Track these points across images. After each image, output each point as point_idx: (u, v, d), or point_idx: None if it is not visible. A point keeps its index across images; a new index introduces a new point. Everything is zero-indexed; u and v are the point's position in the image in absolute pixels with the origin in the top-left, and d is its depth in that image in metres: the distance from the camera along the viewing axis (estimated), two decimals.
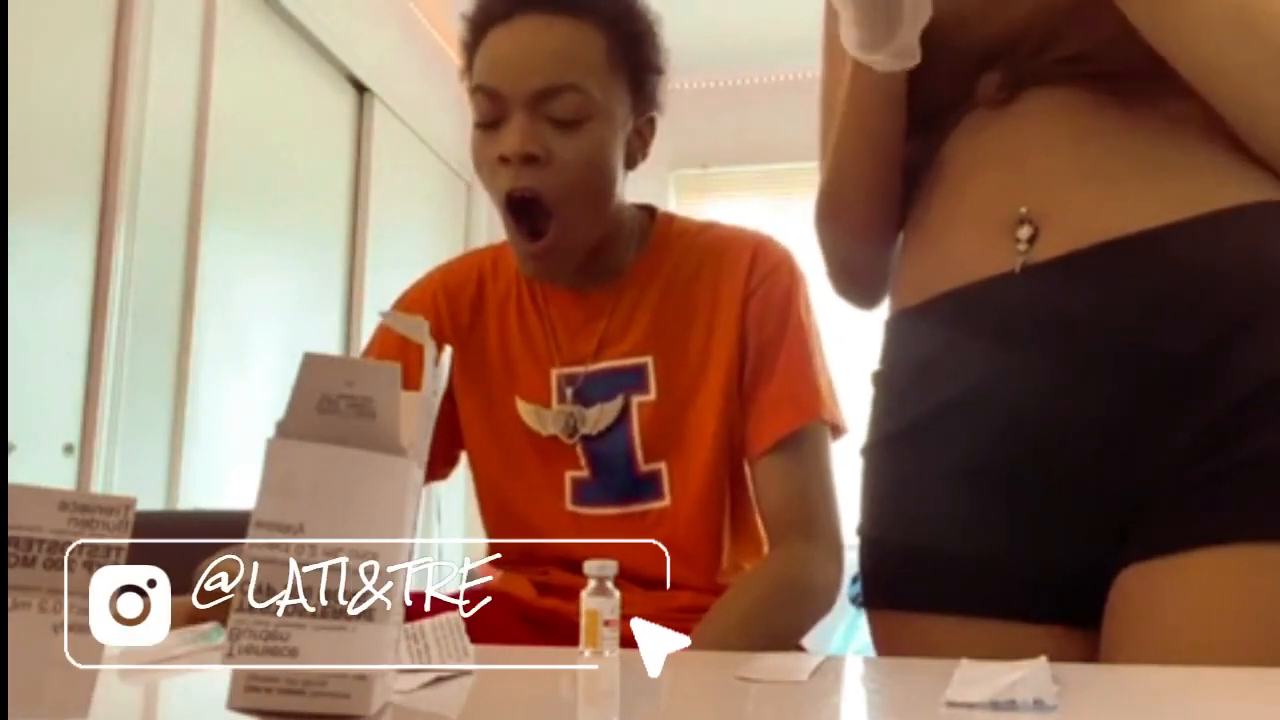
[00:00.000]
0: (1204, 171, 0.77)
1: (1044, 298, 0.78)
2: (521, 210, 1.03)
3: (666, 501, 1.08)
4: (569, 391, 1.09)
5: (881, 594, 0.89)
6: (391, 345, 1.14)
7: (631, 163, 1.11)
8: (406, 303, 1.19)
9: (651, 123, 1.12)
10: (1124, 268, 0.76)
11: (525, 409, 1.11)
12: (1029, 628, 0.79)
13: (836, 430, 1.09)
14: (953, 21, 0.82)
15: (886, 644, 0.88)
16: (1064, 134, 0.81)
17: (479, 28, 1.07)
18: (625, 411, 1.08)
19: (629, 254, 1.12)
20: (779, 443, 1.05)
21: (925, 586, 0.85)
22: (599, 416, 1.08)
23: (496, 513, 1.16)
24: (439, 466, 1.17)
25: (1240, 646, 0.66)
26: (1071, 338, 0.77)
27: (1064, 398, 0.77)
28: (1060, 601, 0.78)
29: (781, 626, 0.96)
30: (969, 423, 0.82)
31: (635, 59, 1.07)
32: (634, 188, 1.12)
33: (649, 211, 1.17)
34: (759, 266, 1.08)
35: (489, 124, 1.04)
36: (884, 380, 0.92)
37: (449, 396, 1.15)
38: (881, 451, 0.90)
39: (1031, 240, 0.79)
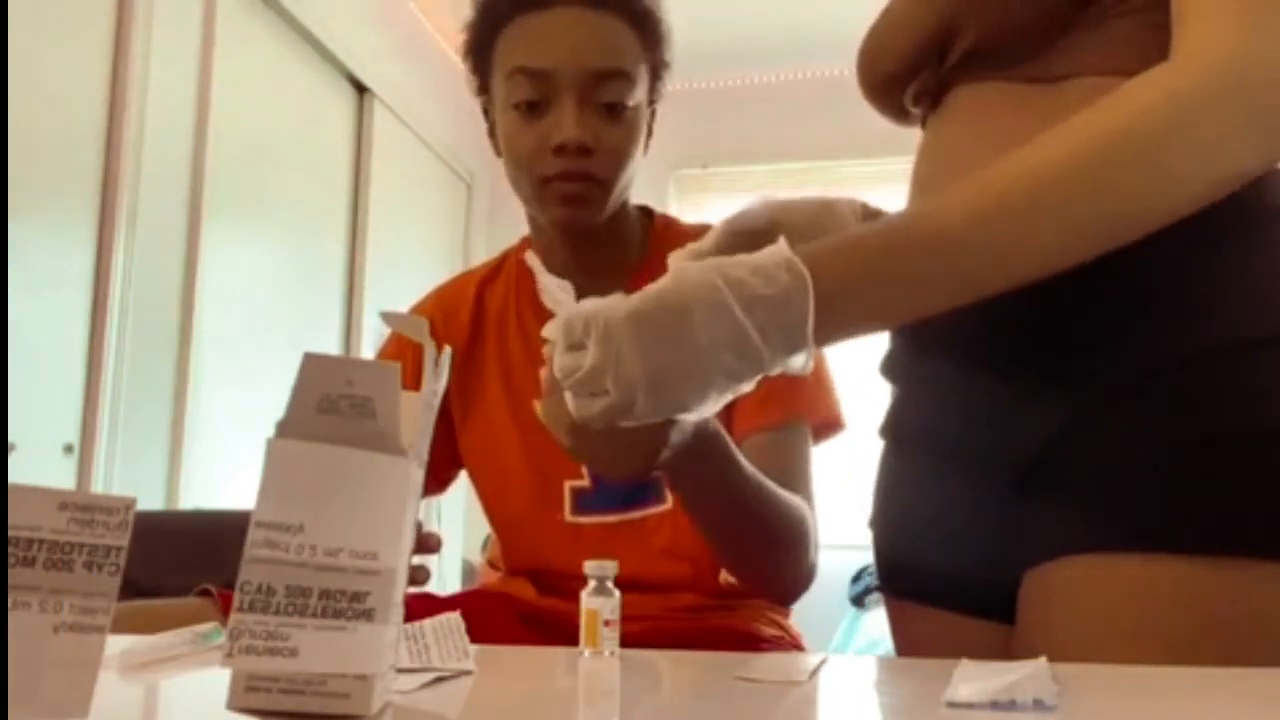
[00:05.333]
0: None
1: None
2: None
3: (667, 505, 1.07)
4: None
5: (882, 582, 0.90)
6: (398, 352, 1.14)
7: (644, 151, 1.12)
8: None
9: (654, 114, 1.14)
10: None
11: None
12: (981, 623, 0.78)
13: (834, 427, 1.09)
14: (869, 66, 0.85)
15: (895, 629, 0.89)
16: (969, 133, 0.79)
17: (504, 13, 1.06)
18: None
19: (630, 256, 1.13)
20: (761, 428, 1.04)
21: (895, 578, 0.87)
22: None
23: (497, 529, 1.17)
24: (430, 485, 1.17)
25: (1113, 654, 0.65)
26: (950, 348, 0.78)
27: (947, 402, 0.78)
28: (986, 600, 0.77)
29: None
30: (899, 420, 0.86)
31: (657, 56, 1.10)
32: (634, 188, 1.12)
33: (647, 213, 1.18)
34: None
35: (532, 107, 1.04)
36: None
37: (446, 417, 1.14)
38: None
39: None
